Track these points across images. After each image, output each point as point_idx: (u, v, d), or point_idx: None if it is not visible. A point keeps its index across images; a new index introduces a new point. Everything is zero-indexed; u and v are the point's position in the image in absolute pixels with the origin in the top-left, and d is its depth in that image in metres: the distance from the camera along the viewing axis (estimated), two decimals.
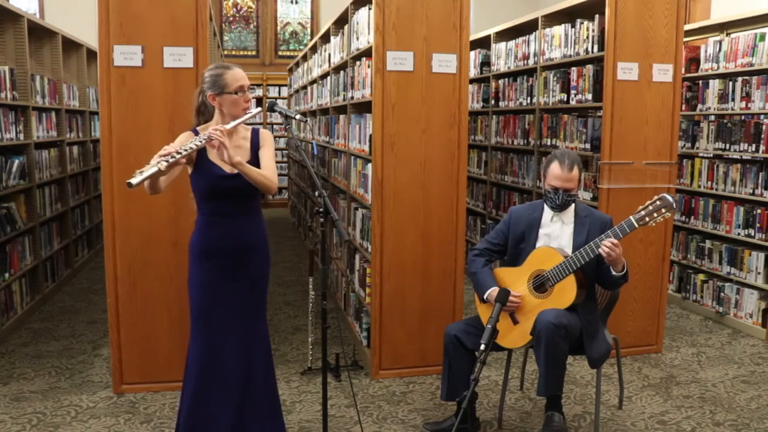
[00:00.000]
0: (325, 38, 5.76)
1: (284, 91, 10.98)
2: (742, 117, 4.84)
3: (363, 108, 4.25)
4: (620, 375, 3.43)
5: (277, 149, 10.34)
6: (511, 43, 5.59)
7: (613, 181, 3.99)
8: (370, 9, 3.77)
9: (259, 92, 10.87)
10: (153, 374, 3.55)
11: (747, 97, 4.73)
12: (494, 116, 5.93)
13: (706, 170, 5.08)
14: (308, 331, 3.99)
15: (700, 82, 5.22)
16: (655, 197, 2.77)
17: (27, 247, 5.00)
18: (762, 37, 4.63)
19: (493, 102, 5.94)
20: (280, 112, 2.69)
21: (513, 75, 5.64)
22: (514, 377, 3.77)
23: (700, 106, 5.22)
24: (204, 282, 2.66)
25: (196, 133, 2.62)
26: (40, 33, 5.74)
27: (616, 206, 3.95)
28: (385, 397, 3.56)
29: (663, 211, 2.74)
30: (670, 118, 4.06)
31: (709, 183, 5.05)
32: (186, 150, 2.40)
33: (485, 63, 6.13)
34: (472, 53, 6.23)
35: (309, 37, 11.25)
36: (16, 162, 4.83)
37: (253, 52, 11.36)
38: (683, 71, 5.04)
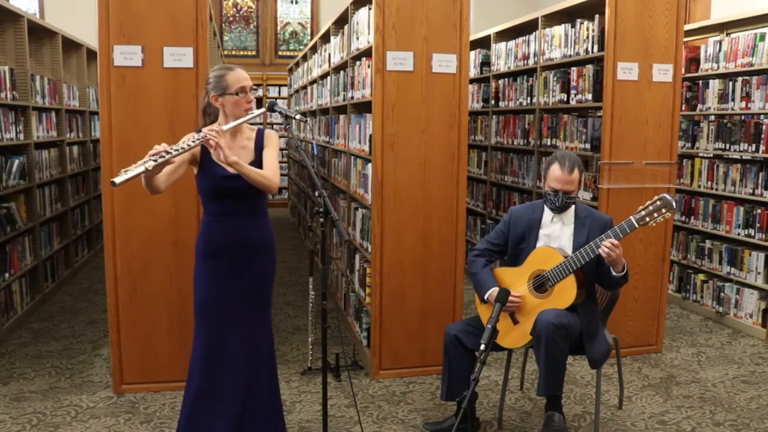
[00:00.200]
0: (325, 38, 5.76)
1: (284, 91, 10.98)
2: (742, 117, 4.84)
3: (363, 108, 4.25)
4: (620, 375, 3.43)
5: None
6: (511, 43, 5.59)
7: (613, 181, 3.99)
8: (370, 9, 3.77)
9: (259, 92, 10.88)
10: (153, 374, 3.55)
11: (747, 97, 4.73)
12: (494, 116, 5.93)
13: (706, 170, 5.08)
14: (308, 331, 3.99)
15: (700, 82, 5.22)
16: (655, 197, 2.77)
17: (27, 247, 5.00)
18: (762, 37, 4.63)
19: (493, 102, 5.94)
20: (280, 112, 2.69)
21: (513, 75, 5.64)
22: (514, 377, 3.77)
23: (700, 106, 5.22)
24: (208, 281, 2.67)
25: None
26: (40, 33, 5.74)
27: (616, 206, 3.95)
28: (385, 397, 3.56)
29: (663, 211, 2.74)
30: (670, 118, 4.06)
31: (709, 183, 5.06)
32: (177, 150, 2.38)
33: (485, 63, 6.13)
34: (472, 53, 6.24)
35: (309, 37, 11.26)
36: (16, 162, 4.83)
37: (253, 52, 11.36)
38: (683, 71, 5.04)
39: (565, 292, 2.88)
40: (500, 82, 5.81)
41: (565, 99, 4.65)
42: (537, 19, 5.03)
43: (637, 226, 2.79)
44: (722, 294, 4.88)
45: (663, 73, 4.00)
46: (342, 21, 4.90)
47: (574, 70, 4.54)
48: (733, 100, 4.88)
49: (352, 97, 4.35)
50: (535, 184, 5.17)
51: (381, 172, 3.66)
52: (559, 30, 4.74)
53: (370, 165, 3.75)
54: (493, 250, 3.14)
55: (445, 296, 3.82)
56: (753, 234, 4.64)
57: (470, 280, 3.15)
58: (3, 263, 4.51)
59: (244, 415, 2.69)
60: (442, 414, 3.34)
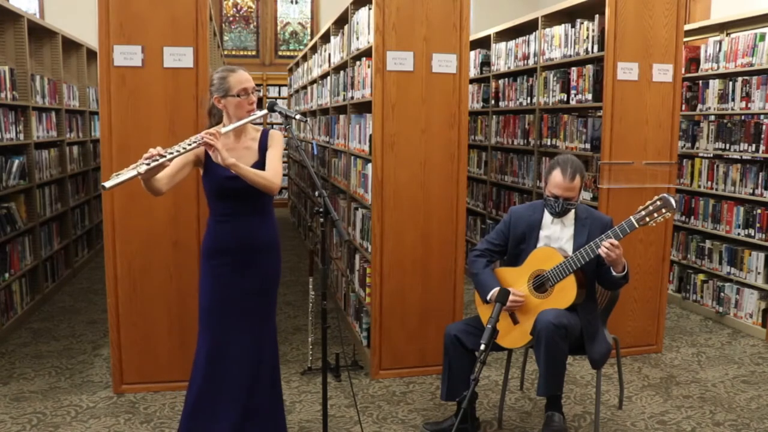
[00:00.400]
0: (325, 38, 5.76)
1: (284, 91, 10.98)
2: (742, 117, 4.84)
3: (363, 108, 4.25)
4: (620, 375, 3.43)
5: None
6: (511, 43, 5.59)
7: (613, 181, 3.99)
8: (370, 9, 3.77)
9: (259, 92, 10.86)
10: (153, 374, 3.55)
11: (747, 97, 4.73)
12: (494, 116, 5.93)
13: (706, 170, 5.08)
14: (308, 331, 3.99)
15: (700, 82, 5.22)
16: (656, 197, 2.77)
17: (27, 247, 5.00)
18: (762, 37, 4.63)
19: (493, 102, 5.94)
20: (280, 112, 2.69)
21: (513, 75, 5.64)
22: (514, 377, 3.77)
23: (700, 106, 5.22)
24: (212, 282, 2.68)
25: None
26: (40, 33, 5.74)
27: (616, 206, 3.95)
28: (385, 397, 3.56)
29: (663, 211, 2.74)
30: (670, 118, 4.06)
31: (709, 183, 5.05)
32: (172, 153, 2.38)
33: (485, 63, 6.13)
34: (472, 53, 6.24)
35: (309, 37, 11.25)
36: (16, 162, 4.83)
37: (253, 52, 11.36)
38: (683, 71, 5.04)
39: (565, 292, 2.88)
40: (500, 82, 5.81)
41: (565, 99, 4.65)
42: (537, 19, 5.04)
43: (637, 226, 2.79)
44: (722, 294, 4.88)
45: (663, 73, 4.00)
46: (342, 21, 4.90)
47: (574, 70, 4.54)
48: (733, 100, 4.88)
49: (352, 97, 4.35)
50: (535, 184, 5.17)
51: (381, 172, 3.66)
52: (559, 30, 4.74)
53: (370, 165, 3.75)
54: (494, 251, 3.14)
55: (445, 296, 3.82)
56: (753, 234, 4.63)
57: (471, 280, 3.15)
58: (3, 263, 4.51)
59: (245, 414, 2.69)
60: (442, 414, 3.34)
